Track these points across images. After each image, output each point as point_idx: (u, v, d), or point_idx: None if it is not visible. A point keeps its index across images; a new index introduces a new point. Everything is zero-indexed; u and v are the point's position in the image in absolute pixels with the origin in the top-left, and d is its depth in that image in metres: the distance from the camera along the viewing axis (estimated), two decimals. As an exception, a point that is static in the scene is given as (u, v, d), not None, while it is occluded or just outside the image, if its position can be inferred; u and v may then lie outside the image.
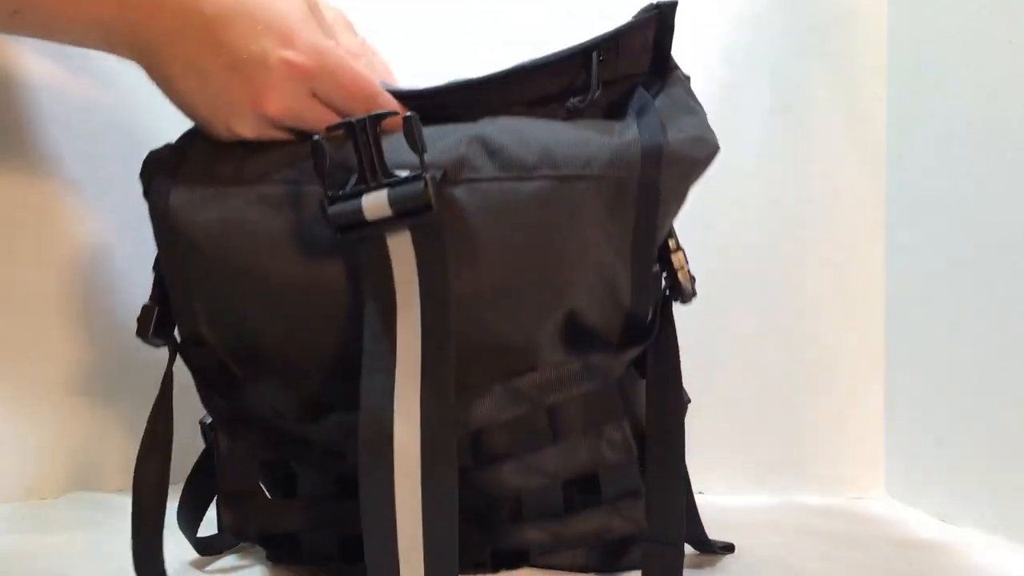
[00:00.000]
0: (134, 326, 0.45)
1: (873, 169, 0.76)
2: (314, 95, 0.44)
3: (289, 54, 0.42)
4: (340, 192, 0.40)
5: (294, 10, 0.44)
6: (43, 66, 0.62)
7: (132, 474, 0.44)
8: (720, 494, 0.74)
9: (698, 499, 0.53)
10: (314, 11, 0.46)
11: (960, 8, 0.67)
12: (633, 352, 0.45)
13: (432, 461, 0.37)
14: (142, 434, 0.45)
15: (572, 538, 0.46)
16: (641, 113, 0.44)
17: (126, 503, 0.44)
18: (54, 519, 0.57)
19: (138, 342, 0.46)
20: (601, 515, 0.46)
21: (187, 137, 0.47)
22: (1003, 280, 0.60)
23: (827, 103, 0.77)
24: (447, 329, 0.39)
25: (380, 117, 0.40)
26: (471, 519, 0.46)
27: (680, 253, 0.45)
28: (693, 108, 0.45)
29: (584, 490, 0.47)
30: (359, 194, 0.40)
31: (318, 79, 0.44)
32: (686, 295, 0.45)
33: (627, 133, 0.42)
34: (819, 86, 0.77)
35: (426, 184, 0.38)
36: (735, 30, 0.77)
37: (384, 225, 0.39)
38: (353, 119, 0.40)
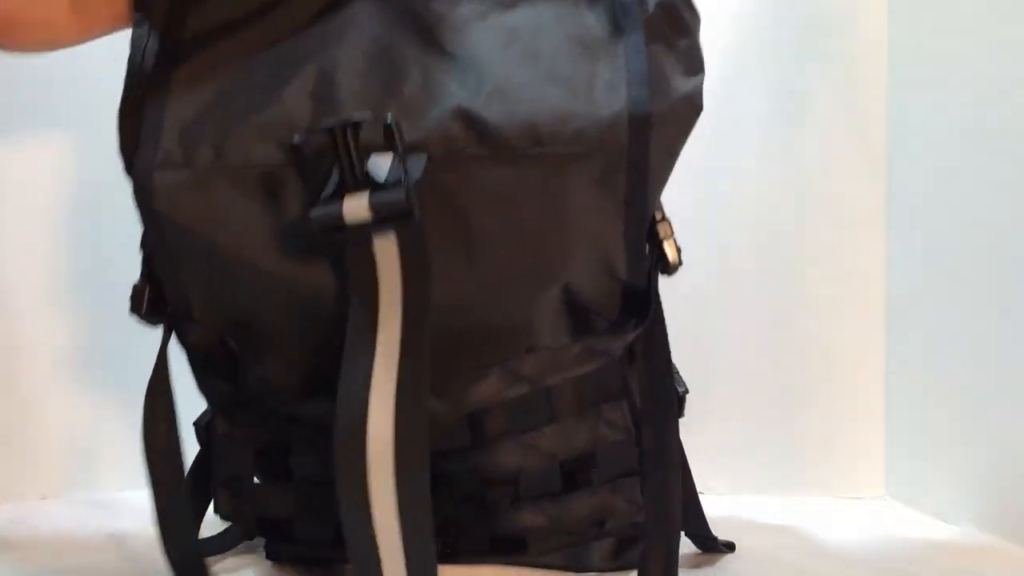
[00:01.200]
0: (130, 322, 0.45)
1: (873, 169, 0.76)
2: None
3: None
4: (320, 196, 0.40)
5: None
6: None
7: (129, 473, 0.44)
8: (721, 494, 0.74)
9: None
10: None
11: (960, 8, 0.67)
12: (633, 332, 0.44)
13: (405, 448, 0.38)
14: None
15: (571, 522, 0.47)
16: (630, 49, 0.43)
17: (125, 502, 0.44)
18: (53, 519, 0.57)
19: (137, 339, 0.46)
20: (600, 496, 0.46)
21: (153, 89, 0.44)
22: (1003, 280, 0.60)
23: (827, 103, 0.76)
24: (425, 327, 0.39)
25: (360, 124, 0.40)
26: (469, 505, 0.46)
27: (666, 223, 0.46)
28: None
29: (583, 470, 0.47)
30: (340, 197, 0.40)
31: None
32: (671, 266, 0.45)
33: (614, 97, 0.41)
34: (819, 86, 0.76)
35: (407, 193, 0.38)
36: (735, 30, 0.77)
37: (369, 228, 0.39)
38: (333, 124, 0.40)
